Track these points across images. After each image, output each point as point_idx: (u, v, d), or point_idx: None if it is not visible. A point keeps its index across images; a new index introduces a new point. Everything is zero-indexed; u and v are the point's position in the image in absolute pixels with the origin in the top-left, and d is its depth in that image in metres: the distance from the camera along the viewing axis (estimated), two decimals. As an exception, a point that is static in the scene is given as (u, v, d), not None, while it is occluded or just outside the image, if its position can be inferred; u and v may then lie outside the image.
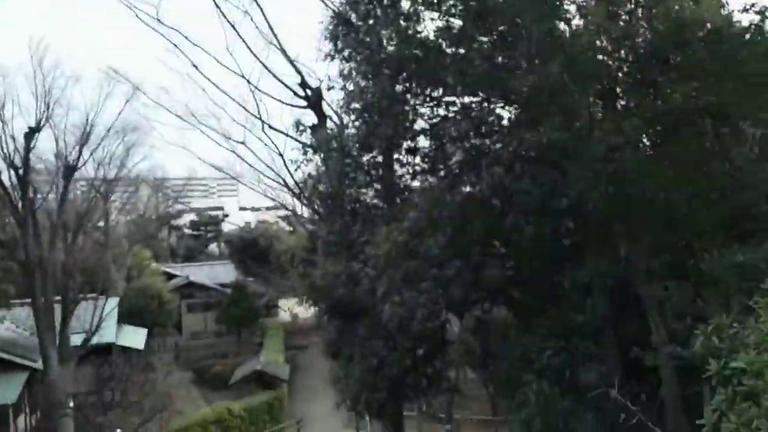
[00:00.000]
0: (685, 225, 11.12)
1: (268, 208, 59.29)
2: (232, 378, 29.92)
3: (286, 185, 16.47)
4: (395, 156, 14.36)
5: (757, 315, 4.50)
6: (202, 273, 46.43)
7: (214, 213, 58.35)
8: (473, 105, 13.18)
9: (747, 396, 3.56)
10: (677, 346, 8.56)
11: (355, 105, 13.42)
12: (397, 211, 13.15)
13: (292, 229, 45.89)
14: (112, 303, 32.45)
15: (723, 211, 10.66)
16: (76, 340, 26.51)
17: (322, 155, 13.93)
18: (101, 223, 36.15)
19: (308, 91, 15.58)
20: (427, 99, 13.96)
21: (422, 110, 13.96)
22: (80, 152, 26.28)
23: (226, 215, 57.55)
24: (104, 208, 35.96)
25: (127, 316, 35.86)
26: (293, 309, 42.90)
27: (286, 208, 25.72)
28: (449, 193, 12.10)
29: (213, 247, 56.94)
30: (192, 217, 57.80)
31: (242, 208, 52.42)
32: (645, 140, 11.90)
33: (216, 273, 46.25)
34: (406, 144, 14.04)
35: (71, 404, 23.24)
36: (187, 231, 56.85)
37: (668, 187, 11.34)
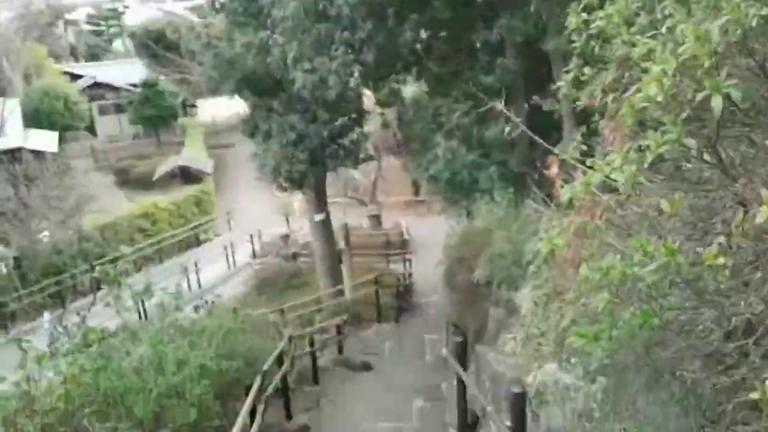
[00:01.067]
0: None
1: (174, 0, 54.47)
2: (155, 174, 29.86)
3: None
4: None
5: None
6: (110, 72, 43.57)
7: (113, 6, 53.05)
8: None
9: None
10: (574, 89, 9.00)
11: None
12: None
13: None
14: (12, 104, 30.63)
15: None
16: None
17: None
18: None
19: None
20: None
21: None
22: None
23: (127, 6, 52.51)
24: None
25: (33, 121, 34.14)
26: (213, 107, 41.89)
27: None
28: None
29: (117, 45, 52.75)
30: (89, 10, 52.60)
31: (144, 1, 47.92)
32: None
33: (124, 72, 43.47)
34: None
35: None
36: (86, 27, 52.01)
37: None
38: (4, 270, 19.62)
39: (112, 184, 34.28)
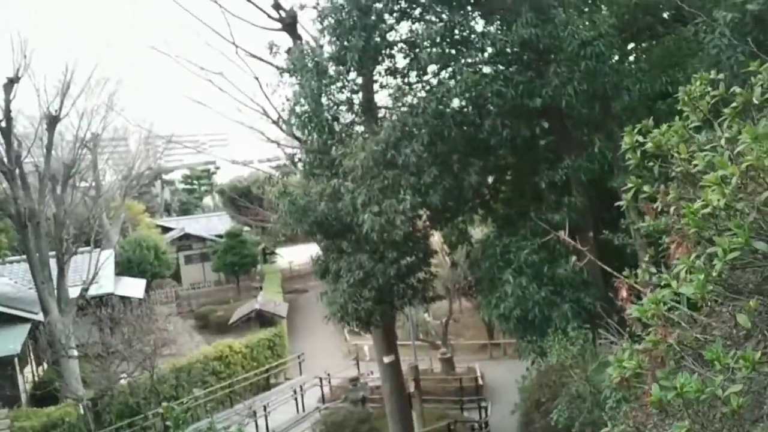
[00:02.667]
0: (659, 118, 11.22)
1: (260, 161, 59.27)
2: (232, 318, 30.54)
3: (265, 113, 16.46)
4: (375, 78, 14.38)
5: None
6: (198, 225, 46.84)
7: (206, 167, 58.28)
8: (446, 15, 13.05)
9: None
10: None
11: (329, 21, 13.28)
12: (376, 129, 13.21)
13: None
14: (108, 255, 33.01)
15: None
16: (74, 292, 27.01)
17: (297, 76, 13.88)
18: (91, 177, 36.39)
19: (282, 13, 15.39)
20: (404, 15, 13.84)
21: (398, 27, 13.89)
22: (62, 102, 26.25)
23: (218, 167, 57.45)
24: (92, 159, 36.11)
25: (125, 269, 36.46)
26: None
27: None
28: (425, 101, 12.11)
29: (207, 200, 57.14)
30: (184, 171, 57.88)
31: (234, 162, 52.24)
32: (619, 36, 11.87)
33: (212, 224, 46.65)
34: (385, 65, 14.03)
35: (75, 352, 23.78)
36: (180, 186, 56.88)
37: (642, 80, 11.41)
38: (82, 411, 19.89)
39: (192, 329, 35.25)
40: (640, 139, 3.70)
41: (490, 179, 14.55)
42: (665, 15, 13.97)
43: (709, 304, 2.45)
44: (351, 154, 11.92)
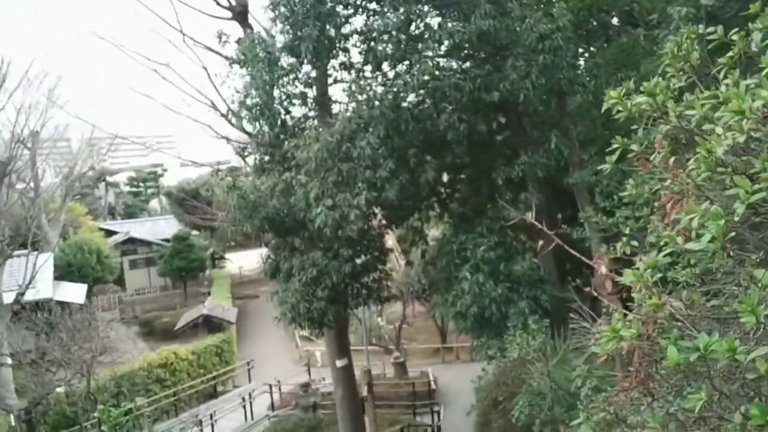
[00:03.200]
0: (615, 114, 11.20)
1: (210, 165, 57.71)
2: (178, 324, 29.34)
3: (213, 106, 15.69)
4: (329, 72, 13.92)
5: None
6: (144, 228, 45.09)
7: (152, 170, 56.30)
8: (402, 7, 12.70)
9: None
10: (604, 216, 8.61)
11: (282, 9, 12.75)
12: (330, 122, 12.73)
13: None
14: (47, 258, 31.27)
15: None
16: (9, 298, 25.39)
17: (248, 67, 13.27)
18: (29, 176, 34.49)
19: (232, 1, 14.73)
20: (359, 8, 13.43)
21: (353, 19, 13.46)
22: (-5, 96, 24.75)
23: (165, 170, 55.59)
24: (31, 157, 34.22)
25: (65, 273, 34.65)
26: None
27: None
28: (381, 95, 11.71)
29: (154, 204, 55.18)
30: (130, 173, 55.78)
31: (183, 164, 50.83)
32: (575, 33, 11.79)
33: (158, 228, 44.97)
34: (339, 59, 13.58)
35: (8, 359, 22.24)
36: (126, 188, 54.77)
37: (598, 76, 11.36)
38: (14, 422, 18.50)
39: (136, 335, 33.73)
40: (629, 90, 3.36)
41: (446, 178, 14.27)
42: (616, 19, 14.08)
43: (731, 253, 2.09)
44: (304, 146, 11.40)
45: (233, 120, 15.21)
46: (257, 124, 13.55)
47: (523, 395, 7.79)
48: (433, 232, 15.40)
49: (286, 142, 12.90)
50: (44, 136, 36.21)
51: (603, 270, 3.76)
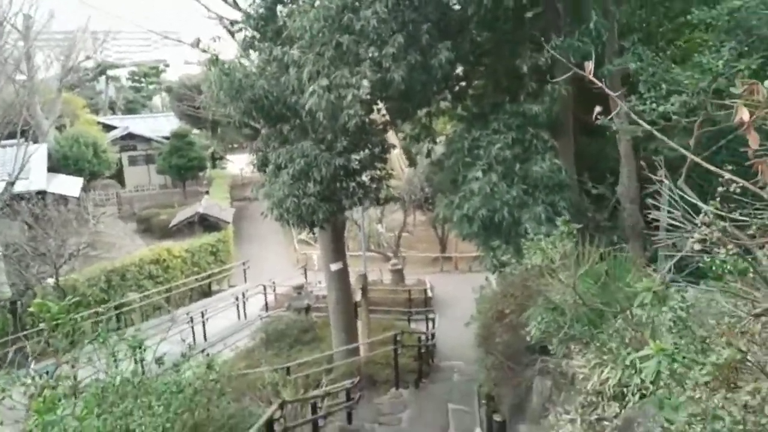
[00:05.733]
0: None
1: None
2: (173, 221, 28.22)
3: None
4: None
5: None
6: (144, 125, 43.22)
7: (155, 65, 53.52)
8: None
9: None
10: (652, 106, 6.99)
11: None
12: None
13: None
14: (40, 149, 29.80)
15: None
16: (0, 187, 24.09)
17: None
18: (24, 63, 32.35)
19: None
20: None
21: None
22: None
23: (168, 65, 52.85)
24: (24, 44, 31.96)
25: (61, 166, 33.28)
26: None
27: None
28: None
29: (156, 101, 52.88)
30: (133, 68, 53.10)
31: (187, 62, 48.04)
32: None
33: (159, 125, 43.08)
34: None
35: (1, 251, 21.20)
36: (127, 83, 52.29)
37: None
38: (-2, 312, 17.72)
39: (134, 232, 32.86)
40: None
41: (461, 70, 12.32)
42: None
43: None
44: (299, 13, 9.52)
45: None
46: (249, -6, 11.60)
47: (537, 308, 6.46)
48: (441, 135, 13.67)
49: (280, 12, 11.01)
50: (40, 23, 33.65)
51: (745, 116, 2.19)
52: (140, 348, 6.66)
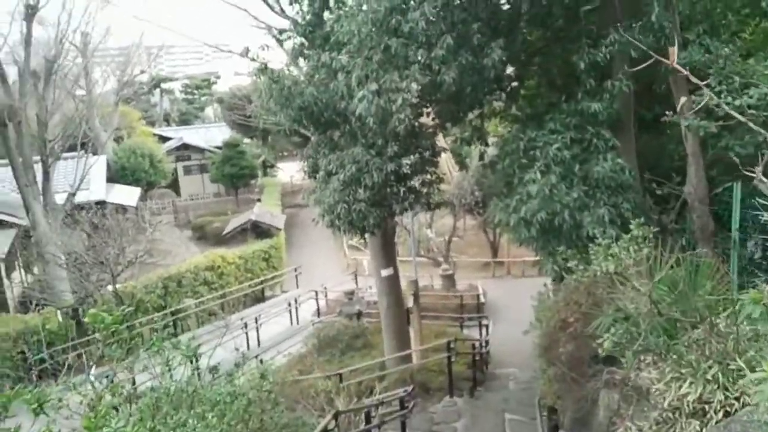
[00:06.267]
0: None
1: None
2: (227, 228, 28.66)
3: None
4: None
5: None
6: (197, 135, 44.32)
7: (206, 77, 54.84)
8: None
9: None
10: (727, 100, 6.45)
11: None
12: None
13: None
14: (99, 160, 30.91)
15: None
16: (62, 199, 25.08)
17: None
18: (83, 79, 33.65)
19: None
20: None
21: None
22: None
23: (219, 77, 54.05)
24: (84, 60, 33.24)
25: (119, 177, 34.42)
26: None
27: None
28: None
29: (208, 112, 54.15)
30: (186, 81, 54.57)
31: (238, 74, 49.12)
32: None
33: (211, 135, 44.12)
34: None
35: (63, 259, 21.97)
36: (180, 95, 53.76)
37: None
38: (61, 319, 18.28)
39: (189, 240, 33.61)
40: None
41: (511, 71, 11.89)
42: None
43: None
44: (347, 18, 9.35)
45: (271, 1, 13.18)
46: (297, 1, 11.54)
47: (607, 318, 6.02)
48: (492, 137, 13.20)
49: (327, 19, 10.89)
50: (96, 40, 35.00)
51: None
52: (194, 356, 6.59)
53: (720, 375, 5.06)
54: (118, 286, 20.85)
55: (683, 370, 5.39)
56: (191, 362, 6.65)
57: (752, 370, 4.91)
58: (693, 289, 5.47)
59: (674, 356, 5.55)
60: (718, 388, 5.01)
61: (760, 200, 9.35)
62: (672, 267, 5.99)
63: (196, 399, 6.40)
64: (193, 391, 6.46)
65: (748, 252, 8.06)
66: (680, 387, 5.32)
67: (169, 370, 6.49)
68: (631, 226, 5.31)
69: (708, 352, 5.34)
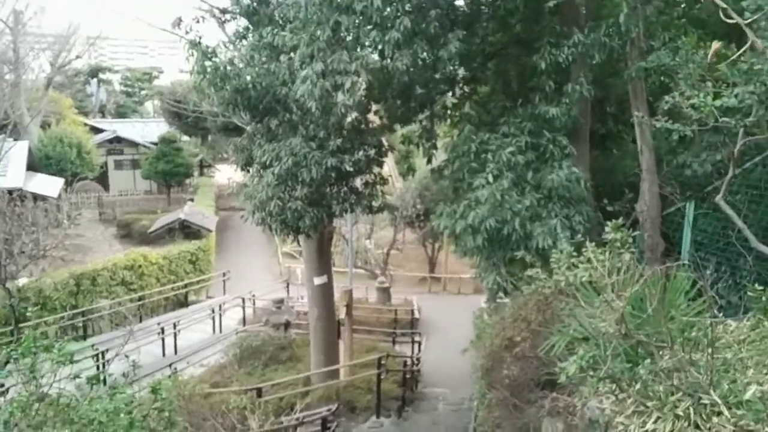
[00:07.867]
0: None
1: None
2: (153, 226, 26.63)
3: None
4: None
5: None
6: (133, 129, 41.70)
7: (148, 71, 52.15)
8: None
9: None
10: (714, 102, 5.79)
11: None
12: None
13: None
14: (20, 145, 28.30)
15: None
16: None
17: None
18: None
19: None
20: None
21: None
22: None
23: (162, 72, 51.48)
24: (13, 40, 30.60)
25: (43, 165, 31.70)
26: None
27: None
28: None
29: (148, 106, 51.40)
30: (126, 73, 51.70)
31: (182, 71, 46.82)
32: None
33: (149, 130, 41.58)
34: None
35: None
36: (119, 87, 50.84)
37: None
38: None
39: (112, 236, 31.20)
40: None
41: (466, 73, 11.10)
42: None
43: None
44: (292, -9, 8.30)
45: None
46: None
47: (563, 338, 5.13)
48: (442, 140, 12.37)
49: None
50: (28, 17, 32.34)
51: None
52: (70, 362, 5.31)
53: (691, 411, 4.27)
54: (23, 281, 18.65)
55: (649, 403, 4.58)
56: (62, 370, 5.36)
57: (728, 406, 4.15)
58: (665, 308, 4.68)
59: (638, 386, 4.73)
60: (689, 425, 4.21)
61: (714, 221, 8.92)
62: (645, 281, 5.19)
63: (69, 415, 5.13)
64: (66, 406, 5.18)
65: (706, 276, 7.44)
66: (644, 423, 4.53)
67: (35, 378, 5.19)
68: (607, 228, 4.43)
69: (678, 383, 4.54)
